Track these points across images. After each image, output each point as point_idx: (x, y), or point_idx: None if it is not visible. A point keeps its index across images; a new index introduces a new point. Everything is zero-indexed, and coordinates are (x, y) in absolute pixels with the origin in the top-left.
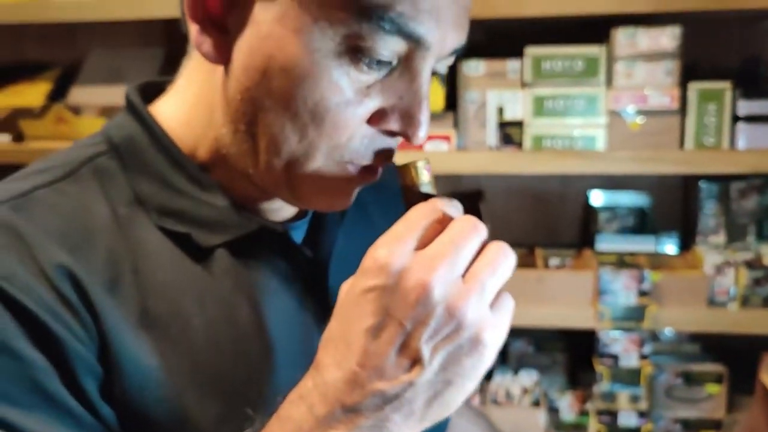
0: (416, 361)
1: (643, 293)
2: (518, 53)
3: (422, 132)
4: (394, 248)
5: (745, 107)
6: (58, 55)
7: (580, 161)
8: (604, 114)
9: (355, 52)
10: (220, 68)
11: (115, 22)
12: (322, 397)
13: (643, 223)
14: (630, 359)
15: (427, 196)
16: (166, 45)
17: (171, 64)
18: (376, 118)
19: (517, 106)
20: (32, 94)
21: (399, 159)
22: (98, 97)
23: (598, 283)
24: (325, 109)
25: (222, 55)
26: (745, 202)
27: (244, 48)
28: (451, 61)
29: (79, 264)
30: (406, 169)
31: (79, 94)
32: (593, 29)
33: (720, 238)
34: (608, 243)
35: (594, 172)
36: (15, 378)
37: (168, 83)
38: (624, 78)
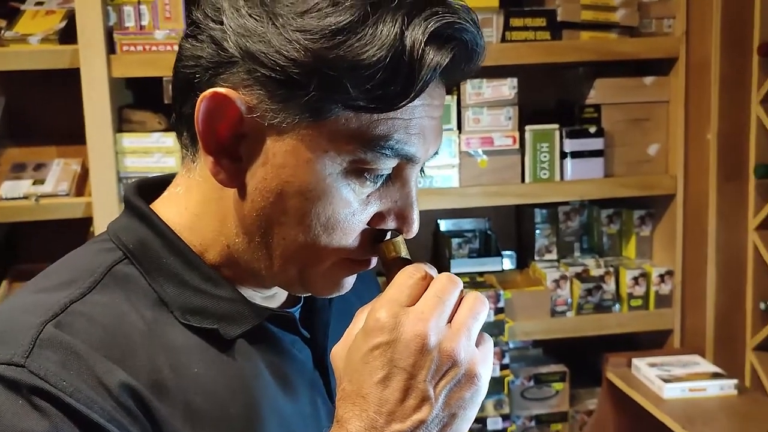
0: (424, 400)
1: (499, 310)
2: None
3: (415, 228)
4: (390, 309)
5: (569, 145)
6: None
7: (439, 197)
8: (457, 155)
9: (359, 172)
10: (228, 188)
11: None
12: None
13: (487, 245)
14: (494, 370)
15: (409, 262)
16: (4, 94)
17: (11, 114)
18: (376, 220)
19: None
20: None
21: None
22: None
23: None
24: (336, 221)
25: (235, 180)
26: (571, 223)
27: (258, 175)
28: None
29: (129, 374)
30: (390, 244)
31: None
32: None
33: (553, 255)
34: (461, 267)
35: (451, 207)
36: None
37: (160, 183)
38: (473, 123)
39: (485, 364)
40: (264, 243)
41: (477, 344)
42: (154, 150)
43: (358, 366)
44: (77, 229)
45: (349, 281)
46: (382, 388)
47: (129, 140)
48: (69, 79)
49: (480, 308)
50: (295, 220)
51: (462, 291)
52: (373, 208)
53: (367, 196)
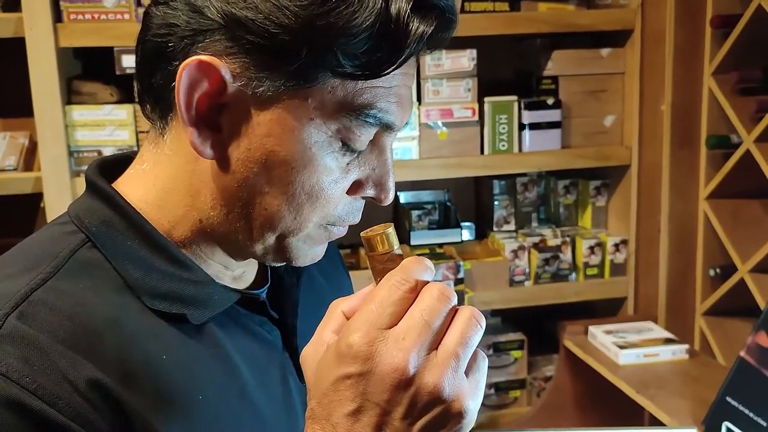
0: None
1: (459, 281)
2: None
3: (391, 195)
4: (367, 334)
5: (527, 116)
6: None
7: (399, 170)
8: (417, 127)
9: (342, 140)
10: (203, 160)
11: None
12: None
13: (446, 217)
14: None
15: (400, 257)
16: None
17: None
18: (354, 188)
19: None
20: None
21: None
22: None
23: None
24: (320, 189)
25: (217, 152)
26: (528, 194)
27: (242, 145)
28: None
29: (96, 366)
30: (382, 236)
31: None
32: None
33: (511, 225)
34: (420, 238)
35: (411, 179)
36: None
37: (122, 161)
38: (432, 95)
39: (474, 397)
40: (244, 213)
41: (468, 370)
42: (106, 123)
43: (327, 391)
44: (27, 205)
45: (323, 248)
46: (352, 421)
47: (79, 112)
48: (14, 49)
49: (472, 332)
50: (279, 189)
51: (454, 306)
52: (352, 176)
53: (347, 164)
